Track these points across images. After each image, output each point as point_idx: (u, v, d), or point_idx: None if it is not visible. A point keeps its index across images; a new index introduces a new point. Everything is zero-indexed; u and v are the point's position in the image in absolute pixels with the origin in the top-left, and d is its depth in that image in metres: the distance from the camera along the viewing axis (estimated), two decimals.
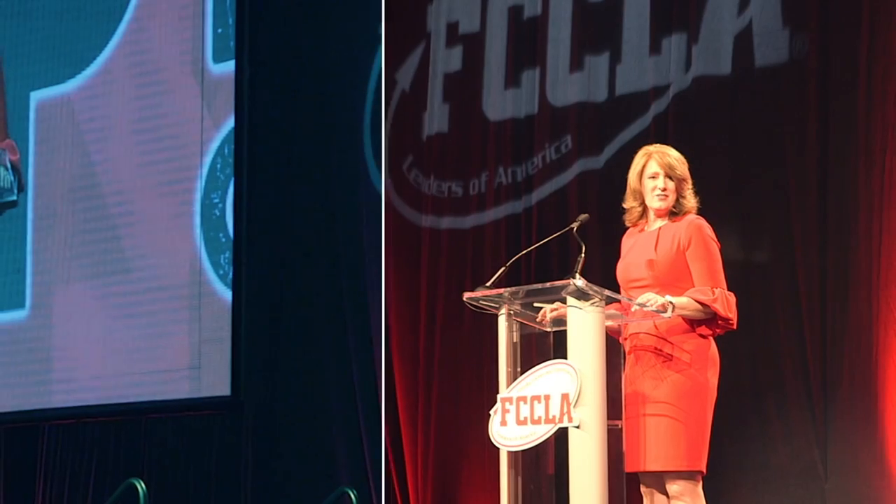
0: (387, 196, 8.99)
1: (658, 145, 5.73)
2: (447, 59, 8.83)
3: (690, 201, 5.62)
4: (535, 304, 5.46)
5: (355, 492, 8.57)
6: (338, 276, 9.29)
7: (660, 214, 5.63)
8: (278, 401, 9.50)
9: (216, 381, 9.61)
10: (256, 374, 9.55)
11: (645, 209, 5.67)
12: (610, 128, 8.06)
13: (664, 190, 5.60)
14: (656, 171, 5.61)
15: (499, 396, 5.42)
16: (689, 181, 5.64)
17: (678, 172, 5.61)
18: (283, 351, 9.53)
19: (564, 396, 5.20)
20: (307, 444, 9.31)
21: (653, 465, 5.41)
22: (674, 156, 5.64)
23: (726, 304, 5.46)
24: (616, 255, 5.76)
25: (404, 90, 9.02)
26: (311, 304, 9.41)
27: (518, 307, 5.48)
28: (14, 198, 10.77)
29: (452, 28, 8.80)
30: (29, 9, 10.85)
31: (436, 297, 8.66)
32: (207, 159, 9.88)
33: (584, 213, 5.78)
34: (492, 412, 5.42)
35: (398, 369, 8.80)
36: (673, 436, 5.38)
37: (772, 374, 7.31)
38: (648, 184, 5.62)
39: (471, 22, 8.74)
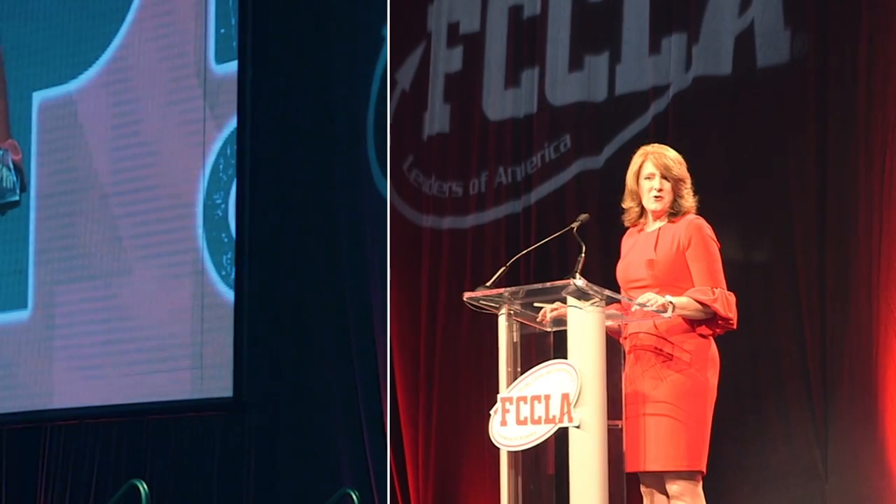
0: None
1: (656, 145, 5.73)
2: (448, 60, 8.83)
3: (688, 201, 5.61)
4: (536, 304, 5.47)
5: (357, 493, 8.57)
6: (340, 276, 9.28)
7: (657, 216, 5.64)
8: (280, 402, 9.50)
9: (218, 382, 9.61)
10: (258, 375, 9.54)
11: (643, 209, 5.68)
12: (609, 127, 8.05)
13: (660, 190, 5.59)
14: (652, 172, 5.61)
15: (499, 396, 5.42)
16: (688, 181, 5.63)
17: (674, 173, 5.60)
18: (285, 352, 9.53)
19: (564, 396, 5.20)
20: (309, 445, 9.31)
21: (653, 465, 5.41)
22: (670, 156, 5.63)
23: (726, 303, 5.46)
24: (616, 255, 5.76)
25: (404, 90, 9.03)
26: (313, 305, 9.41)
27: (518, 307, 5.48)
28: (17, 198, 10.77)
29: (453, 28, 8.80)
30: (31, 9, 10.85)
31: (436, 297, 8.66)
32: (210, 160, 9.88)
33: (584, 212, 5.78)
34: (492, 412, 5.42)
35: (399, 369, 8.80)
36: (673, 436, 5.38)
37: (772, 374, 7.31)
38: (645, 184, 5.62)
39: (471, 22, 8.75)
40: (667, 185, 5.59)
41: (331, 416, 9.22)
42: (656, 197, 5.60)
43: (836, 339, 7.13)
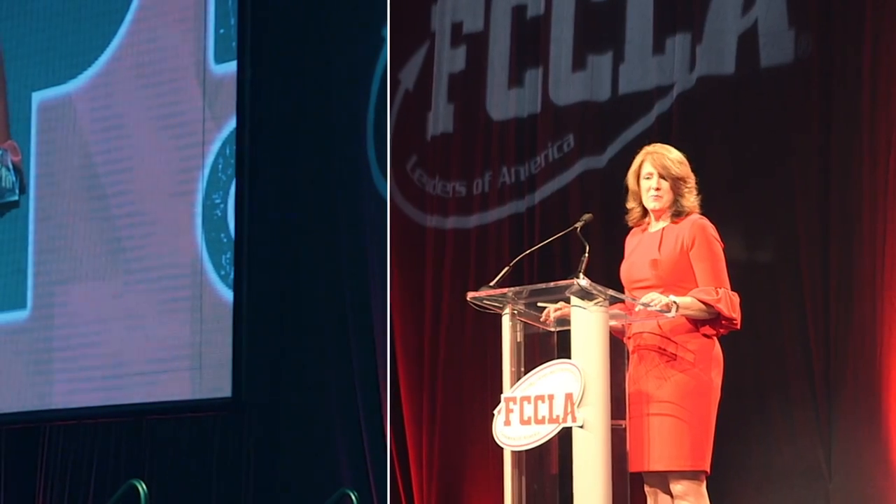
0: (391, 196, 8.98)
1: (658, 145, 5.72)
2: (451, 59, 8.82)
3: (690, 201, 5.60)
4: (539, 304, 5.47)
5: (356, 493, 8.57)
6: (340, 276, 9.28)
7: (658, 215, 5.63)
8: (280, 402, 9.49)
9: (217, 382, 9.60)
10: (258, 376, 9.53)
11: (646, 209, 5.67)
12: (612, 127, 8.05)
13: (658, 190, 5.58)
14: (650, 172, 5.60)
15: (503, 396, 5.42)
16: (689, 181, 5.61)
17: (673, 172, 5.58)
18: (284, 352, 9.52)
19: (568, 396, 5.20)
20: (308, 445, 9.30)
21: (656, 464, 5.41)
22: (671, 156, 5.61)
23: (730, 303, 5.46)
24: (619, 254, 5.76)
25: (408, 90, 9.02)
26: (313, 305, 9.41)
27: (522, 307, 5.48)
28: (16, 198, 10.75)
29: (456, 28, 8.80)
30: (30, 9, 10.84)
31: (440, 297, 8.66)
32: (209, 160, 9.87)
33: (587, 212, 5.78)
34: (496, 412, 5.41)
35: (402, 369, 8.80)
36: (677, 435, 5.38)
37: (775, 374, 7.31)
38: (643, 184, 5.62)
39: (474, 22, 8.75)
40: (665, 185, 5.58)
41: (331, 416, 9.21)
42: (654, 196, 5.59)
43: (839, 339, 7.13)
